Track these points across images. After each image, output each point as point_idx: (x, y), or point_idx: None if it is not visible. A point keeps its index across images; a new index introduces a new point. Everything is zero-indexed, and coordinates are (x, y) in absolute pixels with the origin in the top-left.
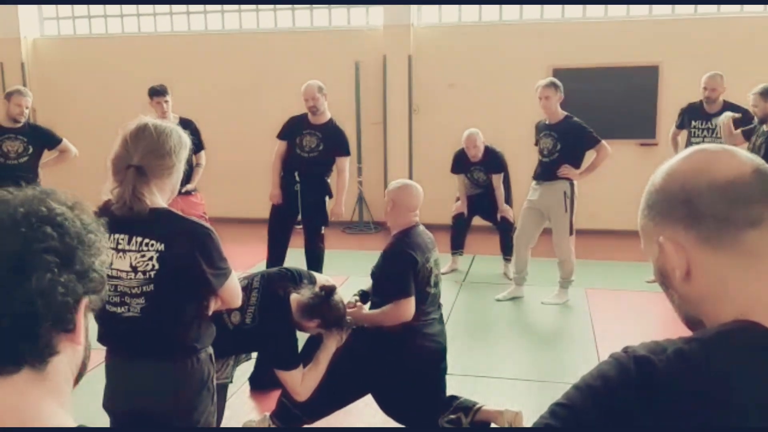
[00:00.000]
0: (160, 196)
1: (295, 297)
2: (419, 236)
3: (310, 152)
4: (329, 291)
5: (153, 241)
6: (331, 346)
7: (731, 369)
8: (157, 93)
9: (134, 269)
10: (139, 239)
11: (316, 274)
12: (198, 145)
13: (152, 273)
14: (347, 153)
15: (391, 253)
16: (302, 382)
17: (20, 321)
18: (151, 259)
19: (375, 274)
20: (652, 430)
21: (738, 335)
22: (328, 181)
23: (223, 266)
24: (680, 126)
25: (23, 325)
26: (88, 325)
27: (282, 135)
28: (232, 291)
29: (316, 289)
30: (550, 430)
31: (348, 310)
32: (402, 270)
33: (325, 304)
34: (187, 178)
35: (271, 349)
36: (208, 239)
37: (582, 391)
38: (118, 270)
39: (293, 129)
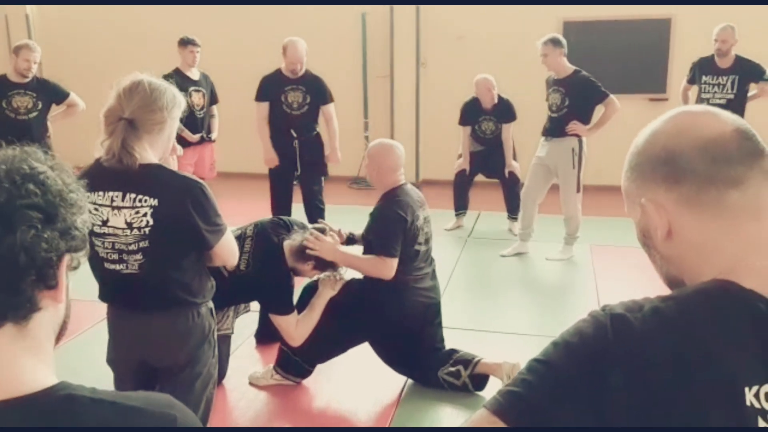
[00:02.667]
0: (152, 153)
1: (288, 243)
2: (407, 195)
3: (300, 108)
4: (320, 231)
5: (146, 197)
6: (325, 293)
7: (708, 328)
8: (191, 42)
9: (129, 226)
10: (133, 195)
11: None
12: (214, 98)
13: (147, 229)
14: (332, 99)
15: (379, 213)
16: (297, 327)
17: (3, 274)
18: (145, 215)
19: (364, 237)
20: (626, 386)
21: (714, 294)
22: (318, 130)
23: (219, 222)
24: (691, 81)
25: (6, 279)
26: (69, 284)
27: (261, 96)
28: (228, 248)
29: (307, 233)
30: (526, 384)
31: (329, 233)
32: (390, 229)
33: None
34: (209, 127)
35: (266, 294)
36: (201, 195)
37: (559, 348)
38: (114, 227)
39: (273, 88)
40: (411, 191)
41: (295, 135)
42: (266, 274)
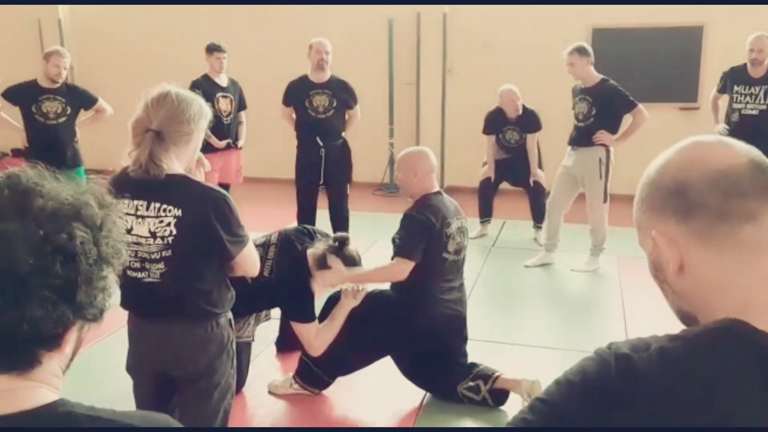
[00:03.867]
0: (178, 163)
1: (311, 251)
2: (441, 201)
3: (326, 112)
4: (342, 241)
5: (171, 207)
6: (347, 304)
7: (713, 371)
8: (217, 48)
9: (153, 235)
10: (157, 205)
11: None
12: (242, 104)
13: (170, 239)
14: (356, 102)
15: (407, 214)
16: (317, 336)
17: (4, 339)
18: (168, 224)
19: (393, 241)
20: (629, 429)
21: (724, 336)
22: (345, 136)
23: (241, 234)
24: (722, 90)
25: (6, 343)
26: (82, 335)
27: (287, 101)
28: (250, 258)
29: (330, 241)
30: (526, 423)
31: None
32: (413, 232)
33: (339, 253)
34: (236, 134)
35: (288, 300)
36: (224, 206)
37: (561, 387)
38: (137, 236)
39: (298, 92)
40: (446, 199)
41: (321, 143)
42: (288, 281)
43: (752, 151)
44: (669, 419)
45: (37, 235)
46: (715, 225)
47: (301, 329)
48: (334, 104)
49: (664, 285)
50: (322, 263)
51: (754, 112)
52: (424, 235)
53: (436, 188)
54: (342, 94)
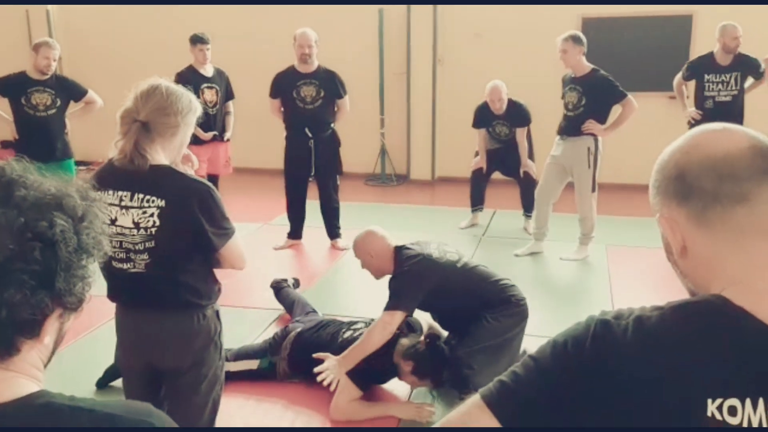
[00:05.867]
0: (163, 155)
1: (401, 340)
2: (407, 247)
3: (314, 102)
4: (432, 339)
5: (154, 198)
6: (396, 410)
7: (680, 339)
8: (200, 40)
9: (136, 225)
10: (141, 196)
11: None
12: (229, 95)
13: (153, 229)
14: (345, 92)
15: (393, 279)
16: (349, 404)
17: None
18: (152, 215)
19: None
20: (599, 389)
21: (700, 308)
22: (334, 127)
23: (226, 226)
24: (687, 78)
25: None
26: (63, 325)
27: (274, 92)
28: (235, 251)
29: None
30: (515, 377)
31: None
32: (405, 284)
33: (426, 351)
34: (223, 125)
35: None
36: (208, 197)
37: (549, 346)
38: (121, 226)
39: (285, 84)
40: (409, 245)
41: (310, 134)
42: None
43: (756, 137)
44: (638, 384)
45: (18, 222)
46: (709, 206)
47: (344, 386)
48: (322, 94)
49: (675, 266)
50: (402, 354)
51: (728, 99)
52: (418, 286)
53: (394, 243)
54: (330, 85)
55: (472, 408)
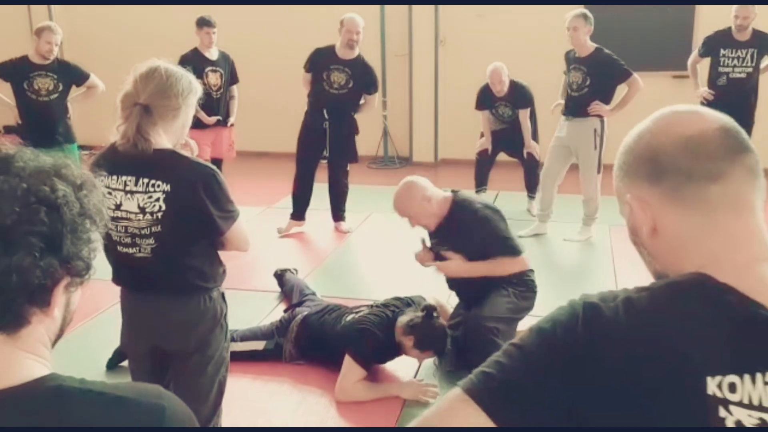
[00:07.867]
0: (165, 138)
1: (401, 318)
2: (461, 191)
3: (340, 89)
4: (432, 309)
5: (159, 182)
6: (400, 390)
7: (676, 320)
8: (206, 23)
9: (142, 210)
10: (146, 180)
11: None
12: (234, 79)
13: (159, 214)
14: (377, 89)
15: (480, 217)
16: (355, 384)
17: None
18: (157, 200)
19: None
20: (594, 374)
21: (687, 286)
22: (356, 117)
23: (231, 209)
24: (704, 54)
25: None
26: (70, 298)
27: (309, 67)
28: (240, 234)
29: (418, 311)
30: (498, 366)
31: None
32: (500, 226)
33: (423, 323)
34: (227, 109)
35: (357, 334)
36: (213, 181)
37: (533, 333)
38: (127, 211)
39: (320, 63)
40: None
41: (326, 116)
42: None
43: (723, 119)
44: (631, 367)
45: (20, 188)
46: (683, 185)
47: (347, 364)
48: (351, 84)
49: (641, 248)
50: (404, 330)
51: (742, 75)
52: (505, 224)
53: (448, 191)
54: (363, 78)
55: (455, 402)
